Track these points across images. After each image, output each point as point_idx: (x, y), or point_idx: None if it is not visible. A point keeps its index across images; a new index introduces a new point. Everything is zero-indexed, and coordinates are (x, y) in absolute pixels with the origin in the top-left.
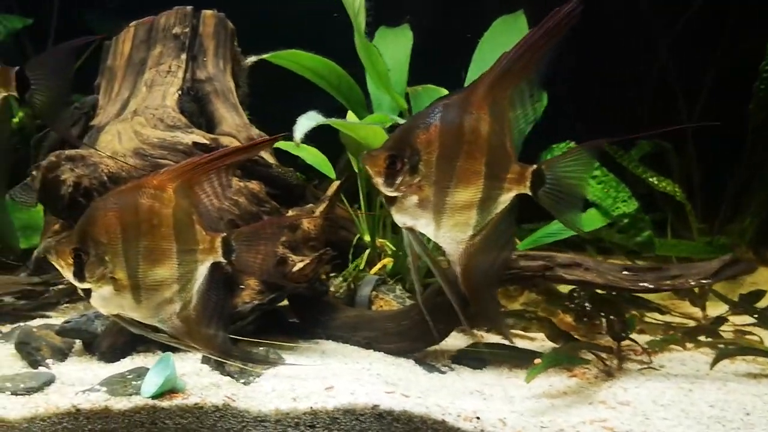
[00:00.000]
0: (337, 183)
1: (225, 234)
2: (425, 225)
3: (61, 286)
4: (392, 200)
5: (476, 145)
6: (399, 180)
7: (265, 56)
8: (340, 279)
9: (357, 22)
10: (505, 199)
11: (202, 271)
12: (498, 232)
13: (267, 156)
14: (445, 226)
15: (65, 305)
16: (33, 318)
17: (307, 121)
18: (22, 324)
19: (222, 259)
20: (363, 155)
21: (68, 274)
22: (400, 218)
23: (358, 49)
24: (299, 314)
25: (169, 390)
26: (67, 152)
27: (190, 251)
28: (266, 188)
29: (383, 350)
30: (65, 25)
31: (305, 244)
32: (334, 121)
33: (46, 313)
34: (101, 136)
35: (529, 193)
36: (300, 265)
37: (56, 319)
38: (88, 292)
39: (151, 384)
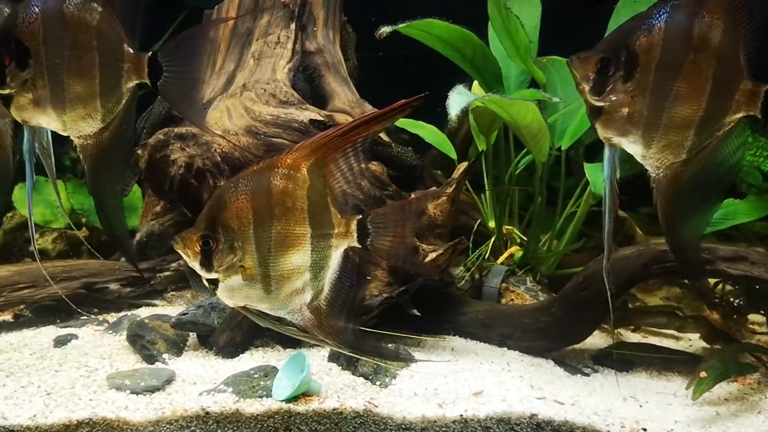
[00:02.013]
0: (464, 165)
1: (360, 216)
2: (632, 142)
3: (167, 273)
4: (598, 111)
5: (704, 55)
6: (609, 87)
7: (399, 27)
8: (462, 269)
9: None
10: (730, 120)
11: (336, 257)
12: (718, 160)
13: (383, 135)
14: (655, 146)
15: (171, 293)
16: (138, 306)
17: (460, 97)
18: (128, 313)
19: (357, 244)
20: (571, 58)
21: (195, 264)
22: (604, 132)
23: (492, 18)
24: (423, 307)
25: (303, 392)
26: (177, 130)
27: (324, 236)
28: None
29: (518, 348)
30: None
31: (431, 232)
32: (488, 98)
33: (151, 301)
34: (209, 112)
35: (759, 116)
36: (433, 255)
37: (163, 308)
38: (214, 283)
39: (285, 386)
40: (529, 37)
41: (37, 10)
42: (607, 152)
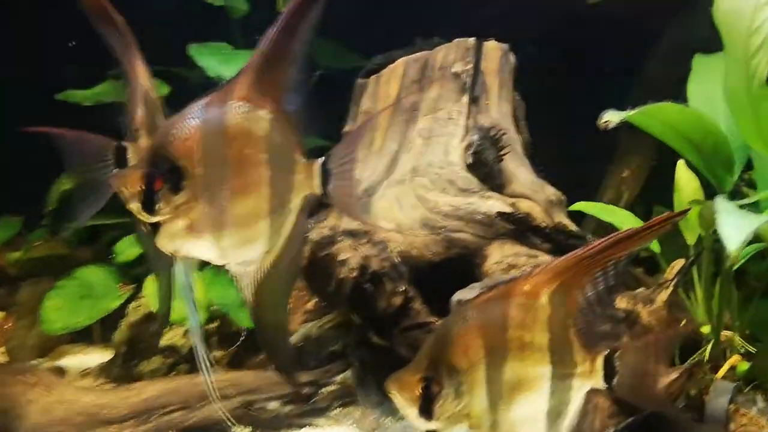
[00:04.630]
0: (679, 262)
1: (608, 351)
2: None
3: (331, 387)
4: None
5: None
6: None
7: (628, 115)
8: None
9: (751, 65)
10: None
11: (577, 400)
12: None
13: (563, 220)
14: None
15: (337, 409)
16: (300, 426)
17: (738, 222)
18: None
19: (602, 385)
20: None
21: (411, 411)
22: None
23: (729, 95)
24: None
25: None
26: (346, 225)
27: (566, 376)
28: None
29: None
30: None
31: None
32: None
33: (315, 419)
34: (375, 202)
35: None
36: (665, 380)
37: (329, 428)
38: None
39: None
40: None
41: (194, 122)
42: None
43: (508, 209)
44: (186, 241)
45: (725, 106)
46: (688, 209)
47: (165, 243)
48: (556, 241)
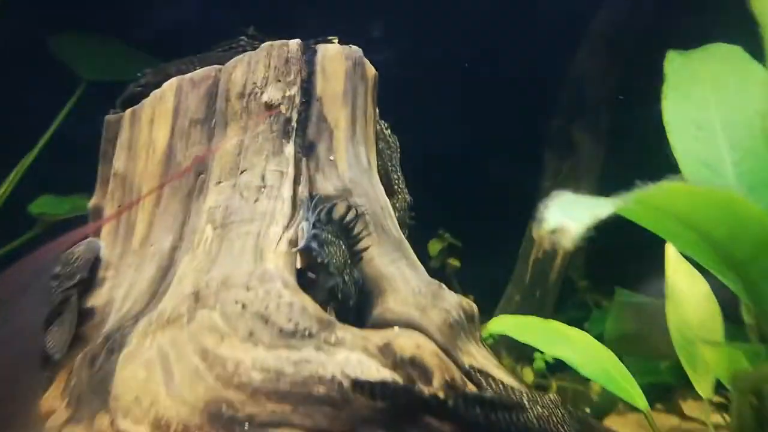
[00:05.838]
0: None
1: None
2: None
3: None
4: None
5: None
6: None
7: (616, 208)
8: None
9: None
10: None
11: None
12: None
13: (479, 352)
14: None
15: None
16: None
17: None
18: None
19: None
20: None
21: None
22: None
23: None
24: None
25: None
26: None
27: None
28: None
29: None
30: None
31: None
32: None
33: None
34: (120, 366)
35: None
36: None
37: None
38: None
39: None
40: None
41: None
42: None
43: (374, 372)
44: None
45: (729, 142)
46: None
47: None
48: (468, 418)
